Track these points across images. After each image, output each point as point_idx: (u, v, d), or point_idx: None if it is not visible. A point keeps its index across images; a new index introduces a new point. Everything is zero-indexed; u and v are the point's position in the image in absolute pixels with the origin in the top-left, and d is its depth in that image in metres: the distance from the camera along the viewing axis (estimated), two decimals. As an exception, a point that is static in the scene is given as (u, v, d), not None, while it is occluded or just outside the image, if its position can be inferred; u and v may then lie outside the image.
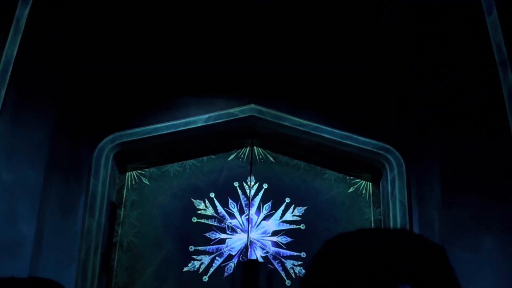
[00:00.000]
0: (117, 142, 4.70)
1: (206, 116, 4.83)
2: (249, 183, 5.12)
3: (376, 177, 5.33)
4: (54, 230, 4.33)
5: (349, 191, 5.20)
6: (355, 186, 5.26)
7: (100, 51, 4.74)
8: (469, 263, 3.70)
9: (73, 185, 4.57)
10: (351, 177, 5.28)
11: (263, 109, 4.89)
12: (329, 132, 4.84)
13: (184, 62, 4.97)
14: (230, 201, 5.07)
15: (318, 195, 5.15)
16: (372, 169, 5.13)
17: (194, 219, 5.01)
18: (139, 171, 5.27)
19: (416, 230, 4.71)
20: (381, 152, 4.84)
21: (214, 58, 4.98)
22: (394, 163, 4.81)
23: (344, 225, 5.00)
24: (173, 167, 5.18)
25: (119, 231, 5.17)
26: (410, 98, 4.87)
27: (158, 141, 4.83)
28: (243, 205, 5.08)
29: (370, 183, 5.37)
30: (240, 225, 5.04)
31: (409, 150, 4.86)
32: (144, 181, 5.18)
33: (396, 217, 4.70)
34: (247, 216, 5.04)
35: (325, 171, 5.22)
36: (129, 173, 5.27)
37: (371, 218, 5.27)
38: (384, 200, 5.00)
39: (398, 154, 4.82)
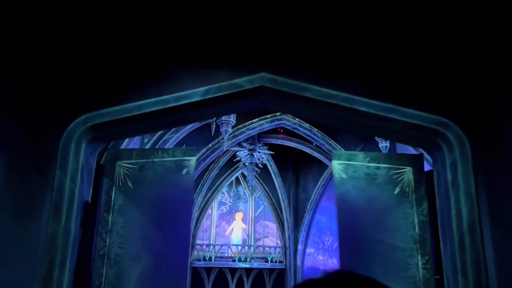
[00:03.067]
0: (90, 124, 3.65)
1: (204, 88, 3.74)
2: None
3: (418, 165, 4.15)
4: (8, 238, 3.28)
5: (396, 192, 4.06)
6: (401, 184, 4.11)
7: (69, 8, 3.72)
8: None
9: (35, 180, 3.53)
10: (396, 171, 4.13)
11: (277, 77, 3.78)
12: (365, 104, 3.68)
13: (175, 23, 3.92)
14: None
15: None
16: (418, 154, 3.95)
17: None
18: (127, 166, 4.25)
19: (487, 228, 3.48)
20: (437, 127, 3.65)
21: (212, 17, 3.91)
22: (454, 141, 3.60)
23: (392, 233, 3.88)
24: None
25: (108, 240, 4.14)
26: (473, 54, 3.69)
27: (143, 122, 3.77)
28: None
29: (411, 175, 4.21)
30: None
31: (474, 124, 3.65)
32: (128, 184, 4.17)
33: (461, 213, 3.48)
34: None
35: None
36: (119, 170, 4.26)
37: (414, 221, 4.09)
38: (441, 191, 3.79)
39: (459, 130, 3.62)
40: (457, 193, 3.50)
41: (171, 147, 8.35)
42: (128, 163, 4.23)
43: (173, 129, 8.27)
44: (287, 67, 3.80)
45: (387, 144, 9.18)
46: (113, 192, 4.14)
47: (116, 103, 3.69)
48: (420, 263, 3.96)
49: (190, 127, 8.31)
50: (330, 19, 3.83)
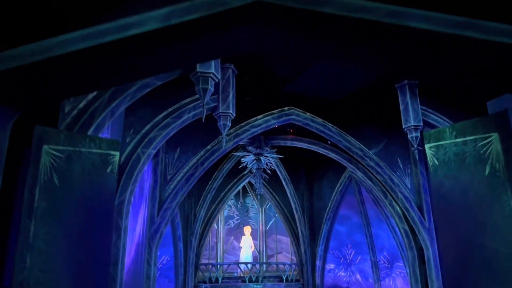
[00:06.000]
0: (-19, 73, 2.28)
1: (164, 10, 2.36)
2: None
3: (505, 128, 2.75)
4: None
5: (486, 173, 2.88)
6: (490, 160, 2.83)
7: None
8: None
9: None
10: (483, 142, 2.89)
11: (280, -11, 2.38)
12: (423, 19, 2.25)
13: None
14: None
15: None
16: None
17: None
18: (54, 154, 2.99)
19: None
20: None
21: None
22: None
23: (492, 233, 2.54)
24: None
25: (27, 260, 2.78)
26: None
27: (69, 70, 2.38)
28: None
29: (499, 144, 2.88)
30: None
31: None
32: (54, 179, 2.96)
33: None
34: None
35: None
36: (46, 158, 3.03)
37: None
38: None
39: None
40: None
41: (158, 147, 6.98)
42: (56, 150, 2.97)
43: (161, 125, 6.92)
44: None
45: (418, 134, 7.71)
46: (37, 190, 2.82)
47: (24, 40, 2.32)
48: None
49: (181, 122, 6.95)
50: None
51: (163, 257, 10.68)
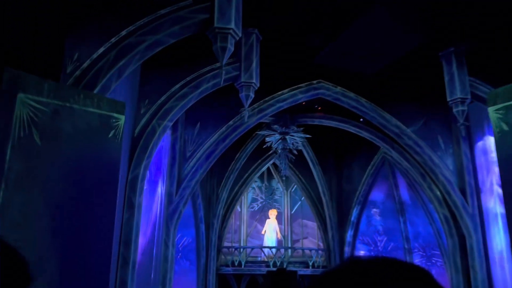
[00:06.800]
0: None
1: None
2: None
3: None
4: None
5: None
6: None
7: None
8: None
9: None
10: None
11: None
12: None
13: None
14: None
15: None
16: None
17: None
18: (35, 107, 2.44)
19: None
20: None
21: None
22: None
23: None
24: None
25: (-5, 233, 2.25)
26: None
27: None
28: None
29: None
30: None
31: None
32: (35, 137, 2.38)
33: None
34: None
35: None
36: (22, 110, 2.48)
37: None
38: None
39: None
40: None
41: (175, 118, 6.40)
42: (37, 102, 2.41)
43: (178, 95, 6.34)
44: None
45: (465, 107, 6.82)
46: (9, 147, 2.28)
47: None
48: None
49: (199, 93, 6.35)
50: None
51: (184, 238, 10.27)
